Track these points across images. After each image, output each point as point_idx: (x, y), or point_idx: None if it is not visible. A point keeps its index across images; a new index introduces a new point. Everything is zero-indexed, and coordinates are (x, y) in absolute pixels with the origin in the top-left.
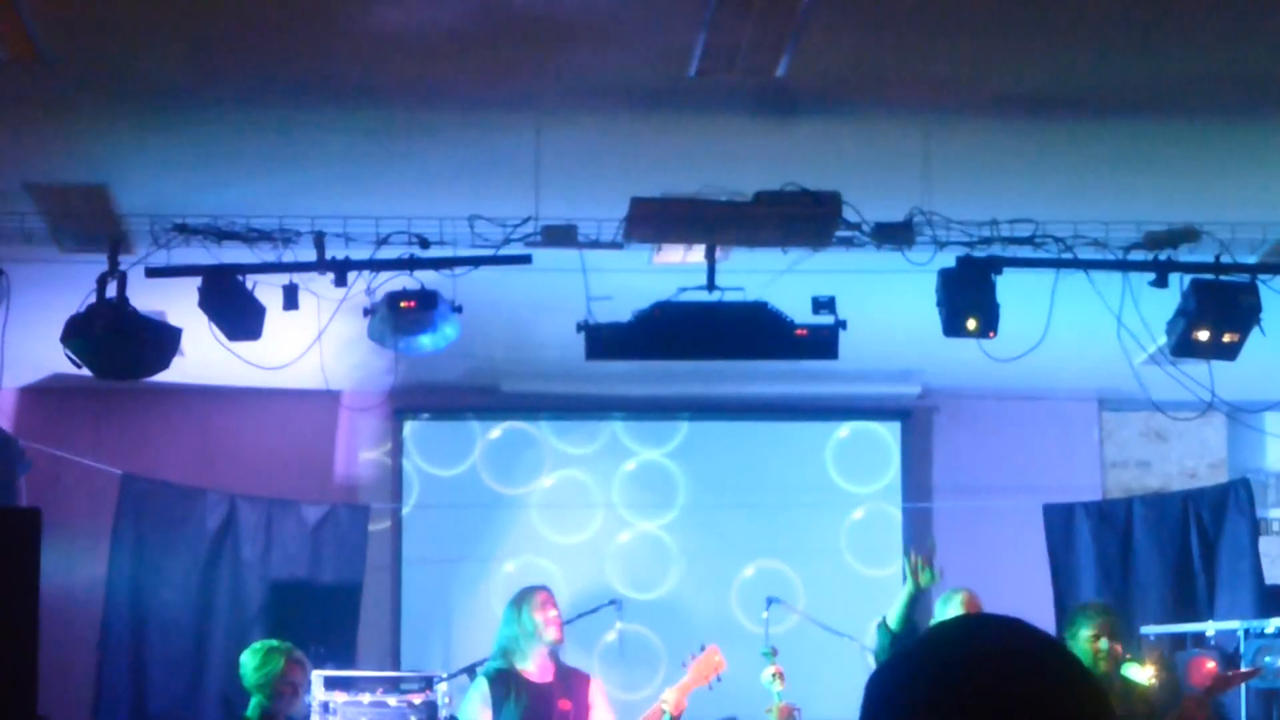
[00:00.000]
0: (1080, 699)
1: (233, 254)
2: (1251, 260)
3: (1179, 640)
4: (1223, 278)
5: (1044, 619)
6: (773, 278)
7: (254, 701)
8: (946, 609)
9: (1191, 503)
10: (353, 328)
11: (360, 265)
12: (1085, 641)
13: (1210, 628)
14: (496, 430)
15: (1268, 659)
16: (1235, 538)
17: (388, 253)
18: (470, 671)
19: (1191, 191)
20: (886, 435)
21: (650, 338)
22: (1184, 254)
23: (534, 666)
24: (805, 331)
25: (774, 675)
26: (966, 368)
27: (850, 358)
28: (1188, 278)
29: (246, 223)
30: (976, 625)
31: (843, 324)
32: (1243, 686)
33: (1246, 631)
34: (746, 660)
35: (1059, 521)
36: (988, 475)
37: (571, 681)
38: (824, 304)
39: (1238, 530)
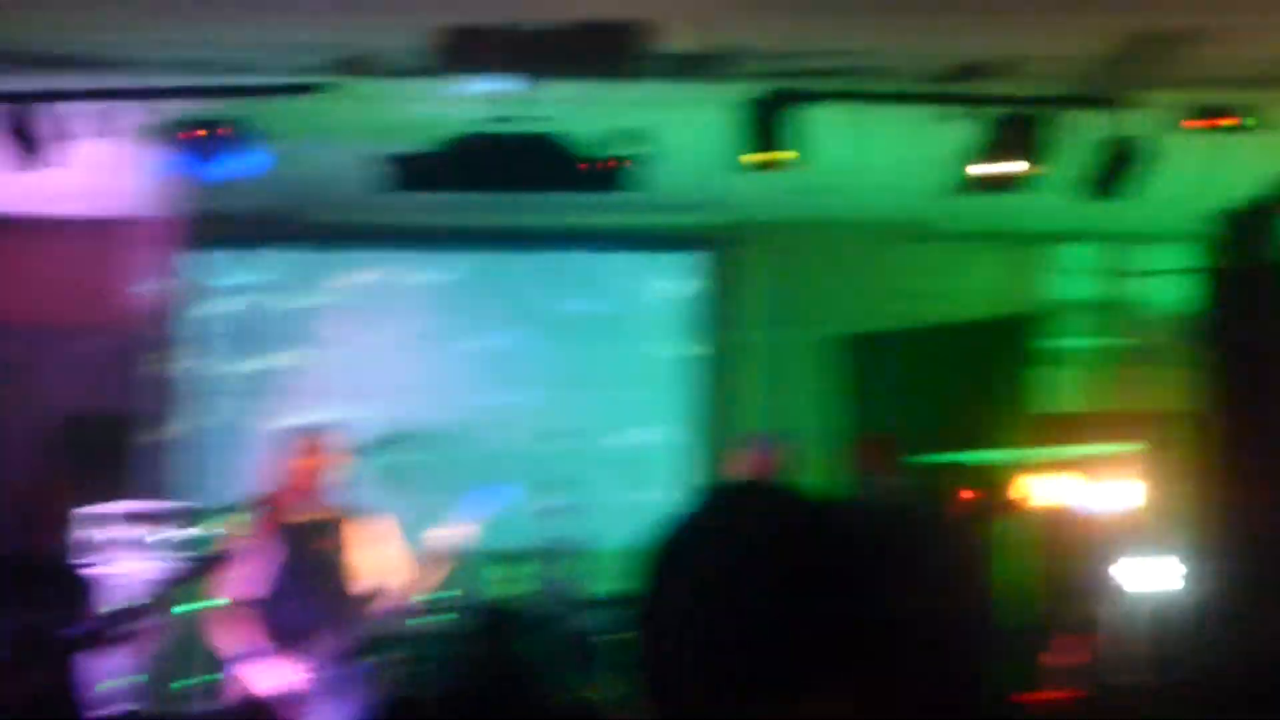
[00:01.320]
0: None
1: (13, 82)
2: (1053, 93)
3: (949, 469)
4: (1023, 110)
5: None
6: (577, 109)
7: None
8: None
9: (969, 334)
10: (136, 157)
11: (148, 94)
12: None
13: (982, 457)
14: (287, 259)
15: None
16: (1008, 367)
17: (180, 80)
18: (241, 504)
19: (996, 25)
20: (688, 266)
21: (460, 169)
22: (987, 87)
23: (308, 505)
24: (593, 165)
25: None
26: (769, 199)
27: (658, 189)
28: (991, 110)
29: (29, 49)
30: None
31: (629, 159)
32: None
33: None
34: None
35: (855, 350)
36: (786, 306)
37: (344, 517)
38: (617, 138)
39: (1011, 360)
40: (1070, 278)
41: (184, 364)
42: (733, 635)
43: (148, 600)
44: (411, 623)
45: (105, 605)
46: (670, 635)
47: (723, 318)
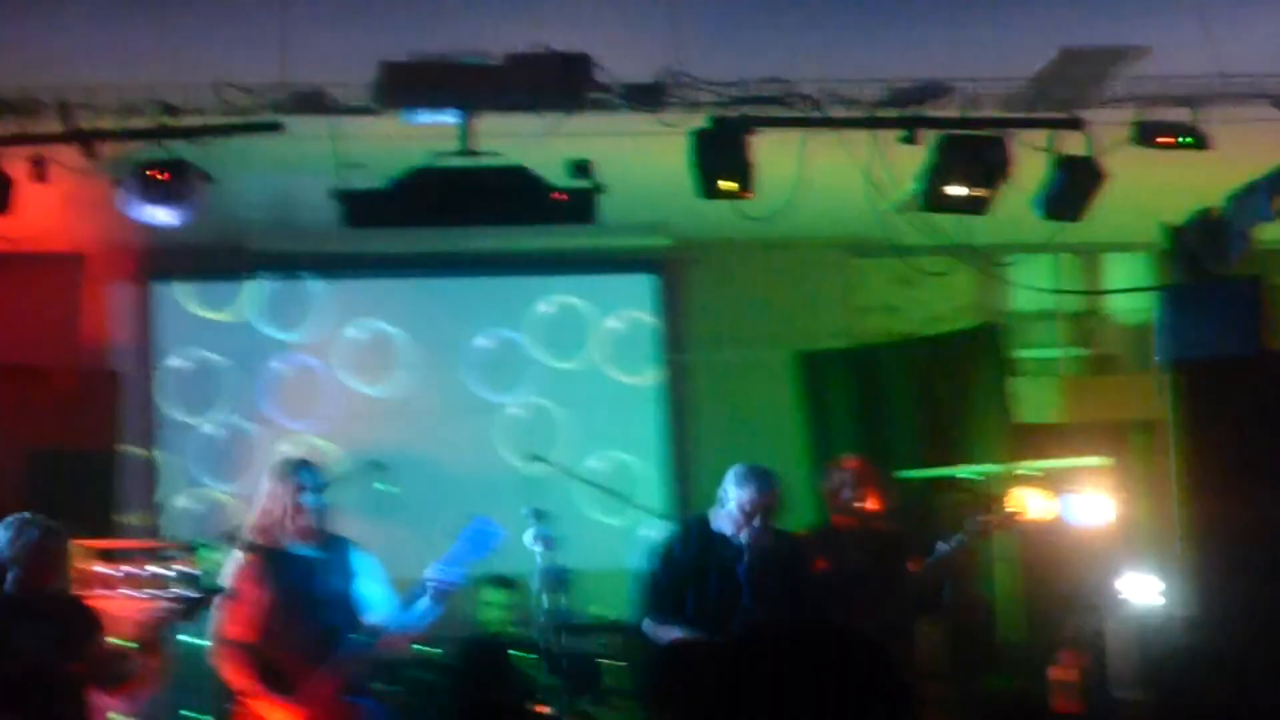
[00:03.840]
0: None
1: None
2: (997, 114)
3: (934, 484)
4: (970, 132)
5: (797, 465)
6: (527, 142)
7: (11, 576)
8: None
9: (941, 346)
10: (102, 196)
11: (108, 135)
12: (846, 501)
13: (963, 471)
14: (247, 291)
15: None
16: (985, 379)
17: (135, 122)
18: (231, 537)
19: (938, 46)
20: (642, 288)
21: (408, 204)
22: (931, 109)
23: (298, 539)
24: (563, 195)
25: (538, 538)
26: (717, 219)
27: (605, 216)
28: (936, 133)
29: None
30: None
31: (600, 188)
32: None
33: (1000, 474)
34: (510, 519)
35: (811, 368)
36: (742, 325)
37: (336, 552)
38: (580, 167)
39: (987, 372)
40: (1031, 290)
41: (159, 397)
42: None
43: (151, 634)
44: (410, 656)
45: (109, 638)
46: None
47: (676, 341)
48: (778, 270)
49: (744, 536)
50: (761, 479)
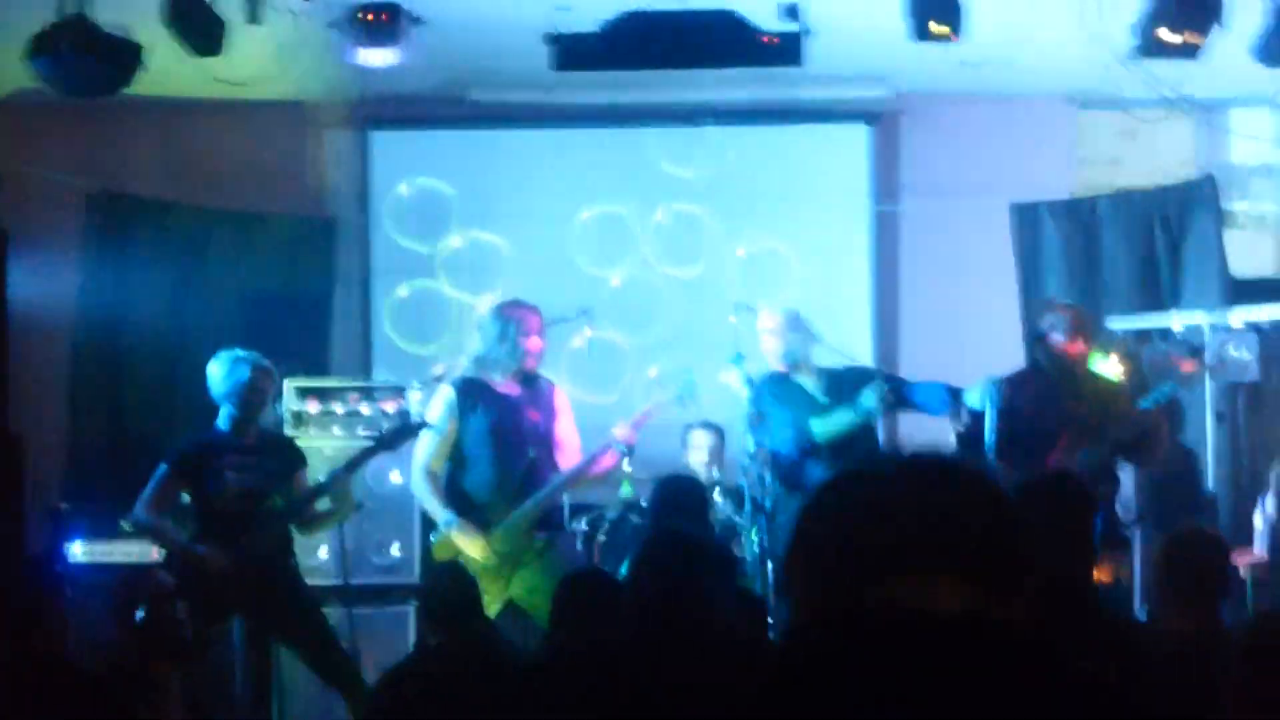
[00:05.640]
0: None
1: None
2: None
3: (1144, 335)
4: None
5: (1011, 316)
6: None
7: (223, 411)
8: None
9: (1158, 199)
10: (318, 40)
11: None
12: (1057, 344)
13: (1176, 321)
14: (466, 141)
15: (1232, 352)
16: (1201, 232)
17: None
18: (440, 378)
19: None
20: (854, 138)
21: (617, 47)
22: None
23: (503, 379)
24: (772, 38)
25: (742, 384)
26: (937, 70)
27: (818, 62)
28: None
29: None
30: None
31: (807, 31)
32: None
33: (1212, 325)
34: (716, 365)
35: (1026, 220)
36: (956, 177)
37: (538, 391)
38: (790, 10)
39: (1204, 225)
40: (1251, 142)
41: (366, 244)
42: None
43: (350, 470)
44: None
45: (319, 476)
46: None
47: (887, 190)
48: (996, 122)
49: None
50: None
